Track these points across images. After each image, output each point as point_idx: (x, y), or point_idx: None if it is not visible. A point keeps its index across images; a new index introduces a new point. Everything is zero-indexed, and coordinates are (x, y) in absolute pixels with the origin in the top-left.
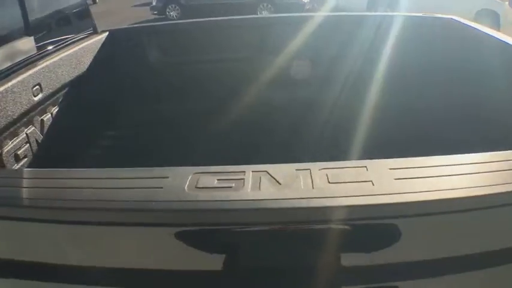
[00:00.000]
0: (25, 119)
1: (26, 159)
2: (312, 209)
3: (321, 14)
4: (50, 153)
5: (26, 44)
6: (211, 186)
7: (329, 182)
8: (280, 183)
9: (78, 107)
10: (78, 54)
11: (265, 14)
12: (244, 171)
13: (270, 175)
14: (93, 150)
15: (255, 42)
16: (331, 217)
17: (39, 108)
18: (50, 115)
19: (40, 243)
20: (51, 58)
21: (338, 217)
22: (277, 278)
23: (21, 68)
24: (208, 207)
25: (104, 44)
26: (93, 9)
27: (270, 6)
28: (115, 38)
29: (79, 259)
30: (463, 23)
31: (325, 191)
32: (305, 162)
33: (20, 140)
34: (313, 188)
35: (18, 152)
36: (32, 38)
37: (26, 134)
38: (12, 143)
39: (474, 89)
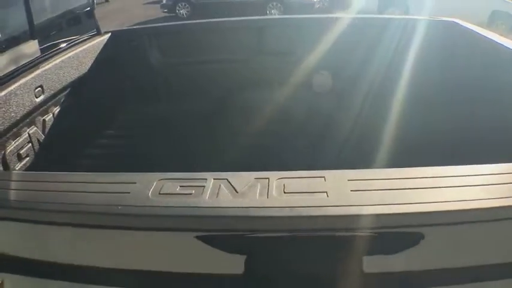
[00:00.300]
0: (27, 120)
1: (28, 158)
2: (259, 219)
3: (322, 16)
4: (51, 153)
5: (31, 47)
6: (173, 192)
7: (284, 192)
8: (237, 192)
9: (80, 107)
10: (80, 55)
11: (274, 12)
12: (206, 179)
13: (230, 183)
14: (94, 150)
15: (257, 44)
16: (276, 227)
17: (41, 109)
18: (51, 115)
19: (17, 240)
20: (54, 60)
21: (283, 228)
22: (219, 283)
23: (24, 70)
24: (167, 213)
25: (106, 45)
26: (105, 7)
27: (279, 5)
28: (117, 39)
29: (53, 256)
30: (465, 26)
31: (277, 201)
32: (304, 165)
33: (23, 140)
34: (267, 197)
35: (21, 152)
36: (36, 41)
37: (28, 134)
38: (15, 143)
39: (483, 92)
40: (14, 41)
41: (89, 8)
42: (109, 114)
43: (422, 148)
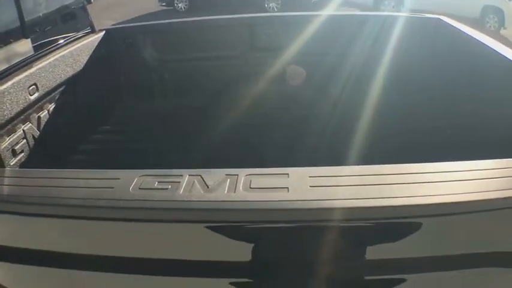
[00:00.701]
0: (22, 117)
1: (22, 154)
2: (224, 211)
3: (312, 13)
4: (46, 149)
5: (23, 46)
6: (151, 187)
7: (250, 188)
8: (208, 187)
9: (74, 105)
10: (74, 53)
11: (272, 6)
12: (182, 175)
13: (203, 179)
14: (88, 146)
15: (250, 41)
16: (239, 219)
17: (35, 106)
18: (46, 112)
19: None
20: (48, 59)
21: (244, 219)
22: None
23: (18, 69)
24: (143, 205)
25: (101, 43)
26: (104, 1)
27: None
28: (112, 37)
29: (43, 245)
30: (449, 23)
31: (242, 195)
32: (299, 162)
33: (17, 136)
34: (234, 192)
35: (16, 148)
36: (29, 40)
37: (23, 130)
38: (9, 139)
39: (463, 89)
40: (6, 40)
41: (82, 6)
42: (103, 111)
43: (404, 145)
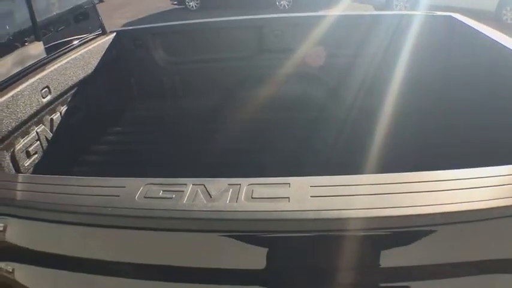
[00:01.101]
0: (35, 119)
1: (36, 155)
2: (226, 221)
3: (321, 14)
4: (59, 150)
5: (36, 49)
6: (156, 196)
7: (252, 197)
8: (211, 197)
9: (86, 106)
10: (85, 56)
11: (284, 4)
12: (185, 184)
13: (206, 188)
14: (100, 146)
15: (259, 42)
16: (241, 229)
17: (48, 109)
18: (59, 114)
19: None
20: (60, 61)
21: (246, 229)
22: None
23: (30, 72)
24: (149, 214)
25: (111, 45)
26: (115, 0)
27: None
28: (122, 39)
29: (57, 249)
30: (463, 21)
31: (243, 205)
32: (309, 168)
33: (31, 138)
34: (236, 202)
35: (29, 149)
36: (41, 42)
37: (37, 132)
38: (23, 141)
39: (478, 88)
40: (20, 42)
41: (93, 7)
42: (114, 112)
43: (412, 151)
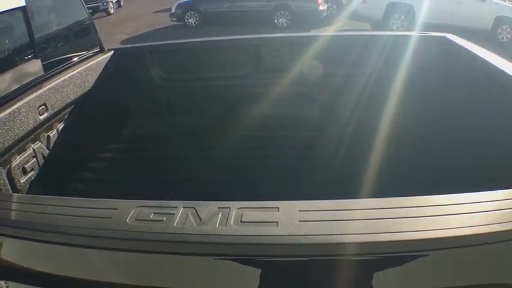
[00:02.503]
0: (32, 136)
1: (32, 172)
2: (215, 245)
3: (316, 34)
4: (55, 167)
5: (34, 66)
6: (147, 219)
7: (241, 221)
8: (201, 220)
9: (83, 124)
10: (83, 73)
11: (282, 21)
12: (176, 207)
13: (196, 211)
14: (97, 163)
15: (256, 62)
16: (227, 252)
17: (45, 126)
18: (56, 131)
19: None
20: (57, 79)
21: (232, 253)
22: None
23: (28, 89)
24: (140, 237)
25: (109, 63)
26: (117, 14)
27: (287, 13)
28: (120, 57)
29: (50, 269)
30: (456, 42)
31: (233, 229)
32: (301, 191)
33: (27, 155)
34: (225, 225)
35: (26, 166)
36: (39, 60)
37: (33, 149)
38: (20, 157)
39: (471, 108)
40: (18, 60)
41: (91, 25)
42: (112, 129)
43: (413, 171)
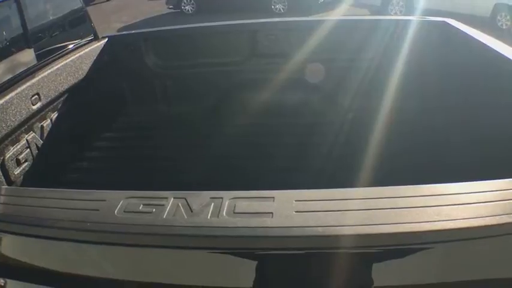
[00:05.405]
0: (25, 126)
1: (26, 163)
2: (206, 238)
3: (314, 19)
4: (50, 157)
5: (26, 56)
6: (136, 210)
7: (234, 212)
8: (192, 211)
9: (78, 113)
10: (77, 61)
11: (279, 7)
12: (166, 197)
13: (187, 202)
14: (92, 153)
15: (253, 48)
16: (219, 245)
17: (38, 116)
18: (49, 121)
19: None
20: (50, 68)
21: (224, 246)
22: None
23: (20, 79)
24: (128, 230)
25: (103, 50)
26: (112, 3)
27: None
28: (114, 44)
29: (40, 263)
30: (456, 27)
31: (225, 221)
32: (299, 179)
33: (21, 146)
34: (217, 217)
35: (20, 157)
36: (32, 50)
37: (27, 140)
38: (13, 148)
39: (472, 94)
40: (11, 50)
41: (85, 13)
42: (106, 118)
43: (407, 164)
